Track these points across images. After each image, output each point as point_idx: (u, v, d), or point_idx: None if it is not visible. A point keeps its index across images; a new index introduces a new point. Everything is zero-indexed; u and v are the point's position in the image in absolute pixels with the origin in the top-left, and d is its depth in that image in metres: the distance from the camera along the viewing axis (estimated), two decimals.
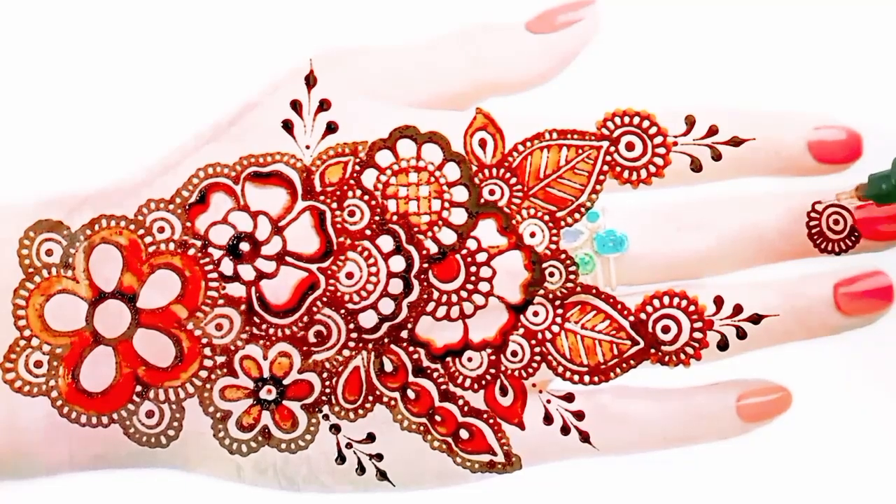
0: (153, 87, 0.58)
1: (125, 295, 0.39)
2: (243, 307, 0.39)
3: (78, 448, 0.39)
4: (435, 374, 0.39)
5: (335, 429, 0.39)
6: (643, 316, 0.40)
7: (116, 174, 0.40)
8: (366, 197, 0.39)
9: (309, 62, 0.40)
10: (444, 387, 0.40)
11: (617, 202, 0.40)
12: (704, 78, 0.58)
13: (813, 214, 0.41)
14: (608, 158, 0.40)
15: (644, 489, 0.58)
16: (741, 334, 0.40)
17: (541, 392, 0.40)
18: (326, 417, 0.39)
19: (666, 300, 0.40)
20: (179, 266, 0.39)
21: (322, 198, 0.39)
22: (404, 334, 0.39)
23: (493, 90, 0.42)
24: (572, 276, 0.40)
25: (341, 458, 0.40)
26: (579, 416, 0.40)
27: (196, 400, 0.39)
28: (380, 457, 0.40)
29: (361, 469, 0.40)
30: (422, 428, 0.40)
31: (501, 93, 0.42)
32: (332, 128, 0.40)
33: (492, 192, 0.40)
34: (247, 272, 0.39)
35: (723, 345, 0.40)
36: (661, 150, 0.40)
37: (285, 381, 0.39)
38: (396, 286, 0.39)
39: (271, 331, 0.39)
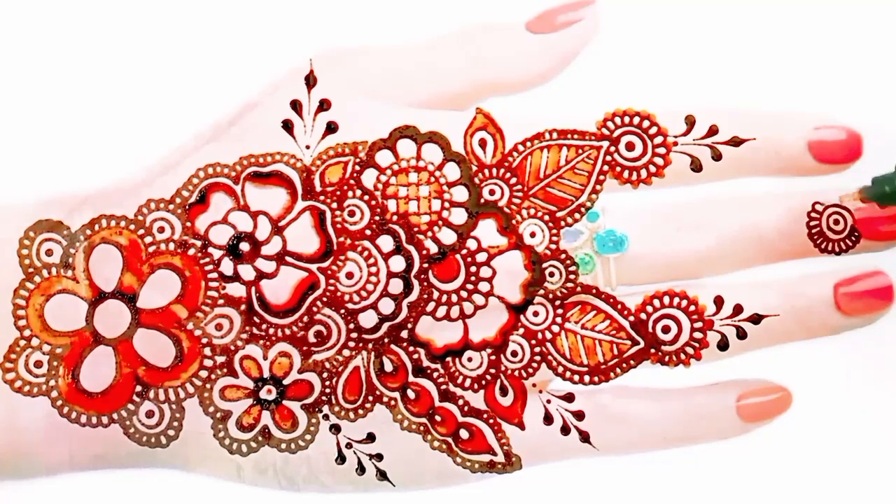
0: (153, 88, 0.58)
1: (125, 295, 0.39)
2: (243, 307, 0.39)
3: (78, 448, 0.39)
4: (435, 374, 0.39)
5: (335, 429, 0.39)
6: (643, 316, 0.40)
7: (116, 174, 0.40)
8: (366, 197, 0.39)
9: (309, 62, 0.40)
10: (444, 387, 0.40)
11: (617, 202, 0.40)
12: (704, 78, 0.58)
13: (813, 214, 0.41)
14: (608, 158, 0.40)
15: (644, 489, 0.58)
16: (741, 334, 0.40)
17: (541, 392, 0.40)
18: (326, 417, 0.39)
19: (666, 300, 0.40)
20: (179, 266, 0.39)
21: (322, 198, 0.39)
22: (404, 334, 0.39)
23: (493, 90, 0.42)
24: (572, 276, 0.40)
25: (341, 458, 0.40)
26: (579, 416, 0.40)
27: (196, 400, 0.39)
28: (380, 457, 0.40)
29: (361, 469, 0.40)
30: (422, 428, 0.40)
31: (501, 93, 0.42)
32: (332, 128, 0.40)
33: (492, 192, 0.40)
34: (247, 272, 0.39)
35: (723, 345, 0.40)
36: (662, 150, 0.40)
37: (285, 381, 0.39)
38: (396, 286, 0.39)
39: (271, 331, 0.39)
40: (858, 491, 0.58)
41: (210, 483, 0.40)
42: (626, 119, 0.40)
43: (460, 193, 0.40)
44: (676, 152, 0.40)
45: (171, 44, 0.59)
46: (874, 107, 0.55)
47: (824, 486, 0.58)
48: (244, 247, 0.39)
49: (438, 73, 0.41)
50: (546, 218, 0.40)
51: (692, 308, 0.40)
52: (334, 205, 0.39)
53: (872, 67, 0.58)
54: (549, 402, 0.40)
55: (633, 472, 0.56)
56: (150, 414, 0.39)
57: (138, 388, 0.39)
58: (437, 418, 0.40)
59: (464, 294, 0.39)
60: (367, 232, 0.39)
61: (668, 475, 0.57)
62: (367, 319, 0.39)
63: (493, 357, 0.40)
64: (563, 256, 0.40)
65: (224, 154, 0.39)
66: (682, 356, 0.40)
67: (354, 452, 0.40)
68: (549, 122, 0.40)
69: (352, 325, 0.39)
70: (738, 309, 0.40)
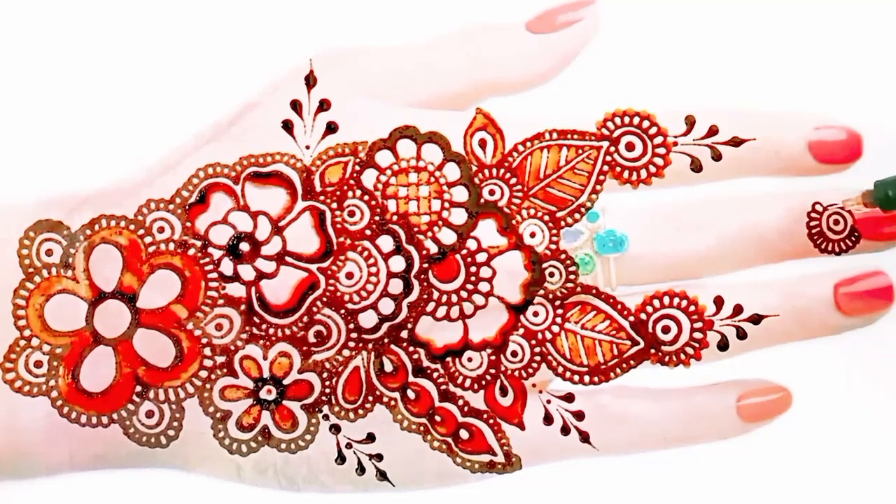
0: (153, 88, 0.58)
1: (125, 295, 0.39)
2: (243, 307, 0.39)
3: (78, 448, 0.39)
4: (435, 375, 0.39)
5: (335, 429, 0.39)
6: (643, 316, 0.40)
7: (116, 174, 0.40)
8: (366, 197, 0.39)
9: (309, 62, 0.40)
10: (444, 387, 0.40)
11: (617, 202, 0.40)
12: (704, 78, 0.58)
13: (813, 214, 0.41)
14: (608, 158, 0.40)
15: (644, 489, 0.58)
16: (741, 334, 0.40)
17: (541, 392, 0.40)
18: (326, 417, 0.39)
19: (666, 300, 0.40)
20: (179, 266, 0.39)
21: (322, 198, 0.39)
22: (404, 334, 0.39)
23: (493, 90, 0.42)
24: (572, 277, 0.40)
25: (341, 458, 0.40)
26: (579, 416, 0.40)
27: (196, 400, 0.39)
28: (380, 457, 0.40)
29: (361, 469, 0.40)
30: (422, 428, 0.40)
31: (501, 93, 0.42)
32: (332, 128, 0.40)
33: (492, 192, 0.40)
34: (247, 272, 0.39)
35: (723, 345, 0.40)
36: (661, 151, 0.40)
37: (285, 381, 0.39)
38: (396, 286, 0.39)
39: (271, 331, 0.39)
40: (858, 491, 0.58)
41: (210, 483, 0.40)
42: (626, 119, 0.40)
43: (460, 193, 0.40)
44: (676, 152, 0.40)
45: (171, 44, 0.59)
46: (874, 107, 0.55)
47: (824, 486, 0.58)
48: (244, 247, 0.39)
49: (438, 73, 0.41)
50: (546, 218, 0.40)
51: (692, 308, 0.40)
52: (334, 205, 0.39)
53: (872, 67, 0.58)
54: (549, 402, 0.40)
55: (633, 472, 0.56)
56: (150, 414, 0.39)
57: (138, 389, 0.39)
58: (437, 418, 0.40)
59: (464, 294, 0.39)
60: (367, 232, 0.39)
61: (668, 475, 0.57)
62: (367, 319, 0.39)
63: (493, 357, 0.40)
64: (563, 256, 0.40)
65: (224, 154, 0.39)
66: (682, 356, 0.40)
67: (354, 452, 0.40)
68: (549, 122, 0.40)
69: (352, 326, 0.39)
70: (738, 309, 0.40)
